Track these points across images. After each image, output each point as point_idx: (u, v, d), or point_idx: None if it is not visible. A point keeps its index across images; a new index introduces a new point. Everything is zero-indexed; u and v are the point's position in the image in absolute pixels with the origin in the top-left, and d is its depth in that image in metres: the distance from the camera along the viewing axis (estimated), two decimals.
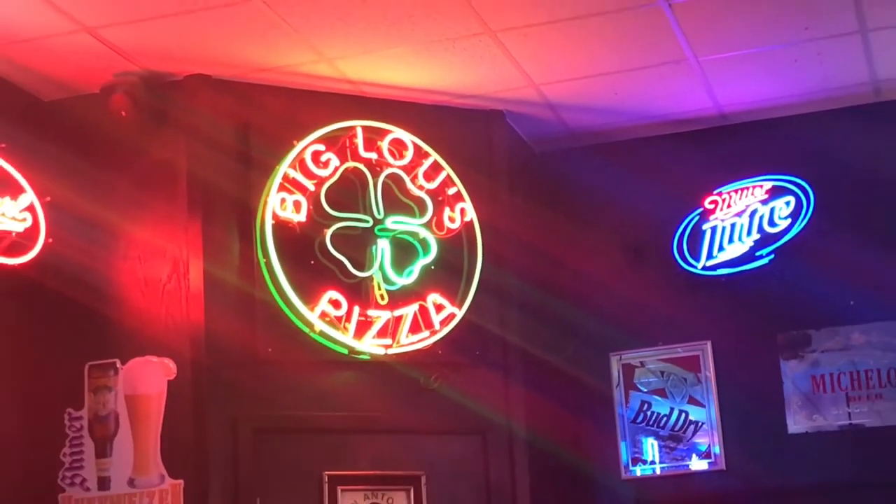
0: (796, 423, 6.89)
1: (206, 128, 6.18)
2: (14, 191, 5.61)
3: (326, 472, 6.11)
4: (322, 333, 6.10)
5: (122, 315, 6.10)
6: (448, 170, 6.55)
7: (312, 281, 6.14)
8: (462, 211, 6.56)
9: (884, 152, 6.92)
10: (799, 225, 6.96)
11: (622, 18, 5.91)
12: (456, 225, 6.53)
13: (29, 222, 5.64)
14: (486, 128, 6.90)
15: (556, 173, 7.37)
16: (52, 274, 5.91)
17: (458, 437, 6.52)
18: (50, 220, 5.73)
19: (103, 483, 5.95)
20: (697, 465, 7.00)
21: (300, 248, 6.15)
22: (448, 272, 6.47)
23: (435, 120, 6.67)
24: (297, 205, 6.16)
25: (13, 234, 5.56)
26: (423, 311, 6.33)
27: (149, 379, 6.01)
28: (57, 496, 5.97)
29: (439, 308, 6.37)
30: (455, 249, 6.52)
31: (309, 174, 6.23)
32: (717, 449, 6.97)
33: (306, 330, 6.10)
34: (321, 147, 6.29)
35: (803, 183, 7.00)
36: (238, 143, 6.25)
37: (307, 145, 6.26)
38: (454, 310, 6.41)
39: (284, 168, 6.17)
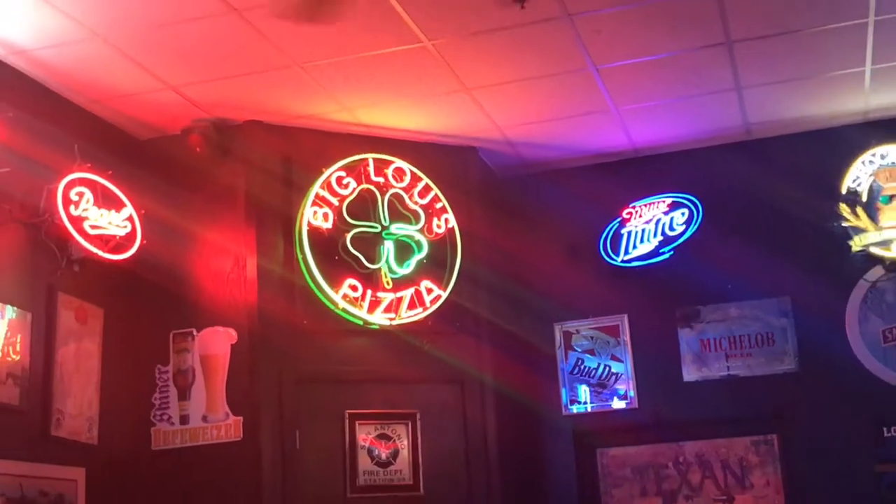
0: (689, 374, 6.89)
1: (259, 159, 6.23)
2: (118, 205, 5.66)
3: (347, 411, 6.18)
4: (343, 309, 6.16)
5: (197, 296, 6.14)
6: (436, 190, 6.58)
7: (336, 271, 6.18)
8: (446, 220, 6.58)
9: (753, 176, 6.87)
10: (691, 230, 6.96)
11: (563, 79, 5.99)
12: (442, 230, 6.56)
13: (129, 229, 5.68)
14: (464, 159, 6.88)
15: (515, 193, 7.31)
16: (146, 267, 5.91)
17: (443, 385, 6.51)
18: (144, 227, 5.78)
19: (184, 419, 6.00)
20: (617, 404, 6.99)
21: (327, 247, 6.20)
22: (436, 265, 6.50)
23: (426, 153, 6.64)
24: (325, 216, 6.22)
25: (117, 238, 5.61)
26: (418, 293, 6.37)
27: (217, 343, 6.06)
28: (149, 429, 6.03)
29: (429, 291, 6.41)
30: (441, 248, 6.55)
31: (334, 193, 6.29)
32: (631, 393, 6.97)
33: (332, 307, 6.15)
34: (342, 173, 6.34)
35: (694, 199, 6.99)
36: (282, 170, 6.27)
37: (332, 172, 6.31)
38: (440, 292, 6.45)
39: (316, 189, 6.23)
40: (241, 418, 5.89)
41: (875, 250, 6.63)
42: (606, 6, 5.19)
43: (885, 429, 6.50)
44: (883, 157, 6.74)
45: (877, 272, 6.70)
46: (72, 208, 5.39)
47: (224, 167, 6.21)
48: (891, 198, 6.67)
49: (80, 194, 5.46)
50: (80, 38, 5.15)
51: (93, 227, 5.49)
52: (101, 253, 5.53)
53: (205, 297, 6.15)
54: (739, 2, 5.23)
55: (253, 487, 5.77)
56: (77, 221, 5.41)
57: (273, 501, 5.77)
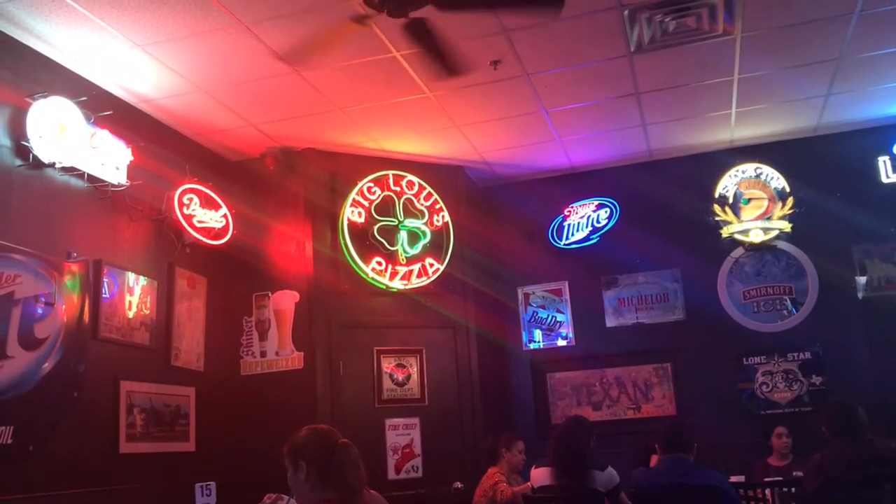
0: (610, 322, 6.89)
1: (313, 175, 6.23)
2: (216, 207, 5.73)
3: (375, 347, 6.21)
4: (372, 278, 6.20)
5: (271, 269, 6.14)
6: (435, 196, 6.58)
7: (367, 252, 6.20)
8: (443, 217, 6.58)
9: (654, 186, 6.81)
10: (612, 223, 6.97)
11: (524, 119, 6.01)
12: (440, 224, 6.56)
13: (224, 223, 5.76)
14: (455, 174, 6.82)
15: (490, 197, 7.24)
16: (236, 249, 5.94)
17: (441, 330, 6.48)
18: (235, 222, 5.84)
19: (263, 353, 6.04)
20: (561, 342, 6.98)
21: (361, 235, 6.21)
22: (436, 247, 6.49)
23: (429, 170, 6.60)
24: (359, 213, 6.25)
25: (216, 229, 5.69)
26: (424, 267, 6.39)
27: (285, 301, 6.08)
28: (239, 360, 6.07)
29: (431, 265, 6.42)
30: (439, 236, 6.54)
31: (365, 198, 6.31)
32: (570, 335, 6.96)
33: (364, 276, 6.18)
34: (371, 184, 6.36)
35: (614, 202, 7.00)
36: (329, 182, 6.26)
37: (364, 183, 6.32)
38: (439, 266, 6.46)
39: (353, 195, 6.25)
40: (302, 353, 5.93)
41: (738, 237, 6.69)
42: (552, 68, 5.24)
43: (743, 358, 6.56)
44: (744, 172, 6.77)
45: (739, 251, 6.74)
46: (184, 209, 5.49)
47: (289, 180, 6.18)
48: (749, 200, 6.71)
49: (190, 199, 5.55)
50: (189, 90, 5.21)
51: (199, 221, 5.57)
52: (204, 240, 5.61)
53: (277, 270, 6.13)
54: (645, 65, 5.28)
55: (311, 401, 5.81)
56: (188, 218, 5.50)
57: (324, 410, 5.79)
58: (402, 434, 6.13)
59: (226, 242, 5.77)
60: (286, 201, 6.18)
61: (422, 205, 6.54)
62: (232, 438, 5.75)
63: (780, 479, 4.95)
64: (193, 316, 5.69)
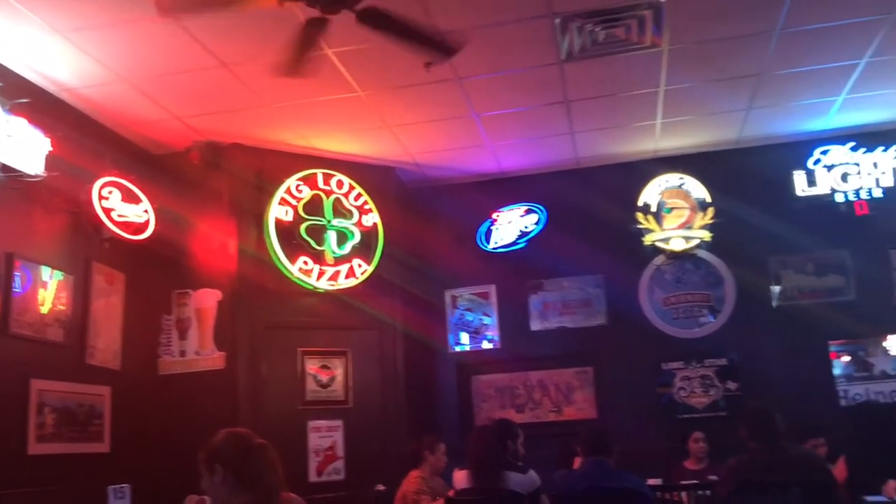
0: (535, 325, 6.94)
1: (239, 171, 6.10)
2: (137, 201, 5.56)
3: (299, 348, 6.13)
4: (298, 278, 6.10)
5: (194, 267, 6.01)
6: (365, 196, 6.53)
7: (293, 251, 6.11)
8: (372, 217, 6.52)
9: (581, 193, 6.90)
10: (539, 228, 7.03)
11: (455, 122, 6.02)
12: (369, 224, 6.50)
13: (145, 218, 5.59)
14: (385, 175, 6.76)
15: (421, 200, 7.18)
16: (157, 244, 5.73)
17: (368, 331, 6.43)
18: (156, 216, 5.67)
19: (182, 353, 5.91)
20: (487, 345, 7.01)
21: (288, 234, 6.12)
22: (365, 248, 6.43)
23: (359, 170, 6.53)
24: (286, 212, 6.15)
25: (136, 224, 5.51)
26: (351, 268, 6.33)
27: (207, 299, 5.96)
28: (157, 360, 5.92)
29: (360, 266, 6.36)
30: (369, 236, 6.47)
31: (293, 196, 6.21)
32: (496, 338, 7.00)
33: (289, 276, 6.08)
34: (300, 182, 6.26)
35: (542, 207, 7.05)
36: (256, 179, 6.14)
37: (292, 181, 6.22)
38: (367, 267, 6.40)
39: (281, 193, 6.15)
40: (224, 353, 5.82)
41: (660, 244, 6.81)
42: (484, 73, 5.26)
43: (662, 363, 6.71)
44: (667, 181, 6.91)
45: (660, 259, 6.88)
46: (104, 202, 5.32)
47: (214, 176, 6.05)
48: (671, 209, 6.86)
49: (110, 192, 5.38)
50: (111, 80, 5.05)
51: (119, 215, 5.40)
52: (124, 234, 5.44)
53: (199, 267, 6.01)
54: (575, 74, 5.34)
55: (232, 401, 5.71)
56: (107, 212, 5.33)
57: (246, 411, 5.70)
58: (325, 436, 6.07)
59: (147, 238, 5.59)
60: (211, 197, 6.05)
61: (351, 205, 6.48)
62: (149, 439, 5.60)
63: (696, 482, 5.06)
64: (111, 313, 5.52)
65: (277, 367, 6.00)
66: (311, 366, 6.16)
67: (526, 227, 7.07)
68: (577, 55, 5.06)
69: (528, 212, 7.10)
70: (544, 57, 5.09)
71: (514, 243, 7.08)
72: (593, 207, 6.89)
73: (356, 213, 6.47)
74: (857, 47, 5.17)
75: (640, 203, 6.88)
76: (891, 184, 6.46)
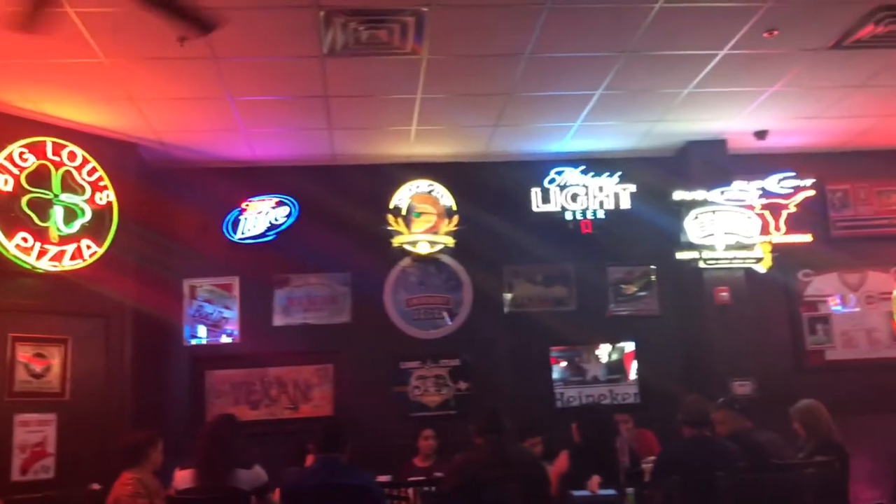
0: (278, 321, 6.81)
1: None
2: None
3: (10, 333, 5.58)
4: (14, 255, 5.58)
5: None
6: (101, 171, 6.11)
7: (11, 225, 5.59)
8: (107, 195, 6.13)
9: (336, 189, 6.90)
10: (290, 221, 6.93)
11: (208, 103, 5.78)
12: (103, 203, 6.10)
13: None
14: (126, 152, 6.34)
15: (165, 181, 6.76)
16: None
17: (93, 319, 6.01)
18: None
19: None
20: (226, 339, 6.80)
21: (6, 206, 5.57)
22: (97, 228, 6.03)
23: (97, 143, 6.08)
24: (6, 181, 5.60)
25: None
26: (79, 248, 5.90)
27: None
28: None
29: (89, 247, 5.96)
30: (102, 216, 6.08)
31: (15, 164, 5.68)
32: (236, 332, 6.82)
33: (5, 252, 5.55)
34: (24, 150, 5.73)
35: (294, 201, 6.96)
36: None
37: (15, 147, 5.68)
38: (98, 249, 6.01)
39: (0, 159, 5.53)
40: None
41: (407, 247, 7.01)
42: (244, 56, 5.09)
43: (401, 363, 6.89)
44: (418, 187, 7.12)
45: (406, 261, 7.08)
46: None
47: None
48: (420, 214, 7.06)
49: None
50: None
51: None
52: None
53: None
54: (336, 70, 5.34)
55: None
56: None
57: None
58: (35, 431, 5.57)
59: None
60: None
61: (84, 179, 6.03)
62: None
63: (423, 478, 5.22)
64: None
65: None
66: (23, 354, 5.62)
67: (276, 220, 6.94)
68: (339, 51, 5.05)
69: (280, 204, 6.98)
70: (307, 49, 5.02)
71: (262, 235, 6.93)
72: (346, 205, 6.93)
73: (89, 189, 6.03)
74: (594, 79, 5.66)
75: (391, 205, 7.03)
76: (612, 206, 7.13)
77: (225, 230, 6.92)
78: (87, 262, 5.91)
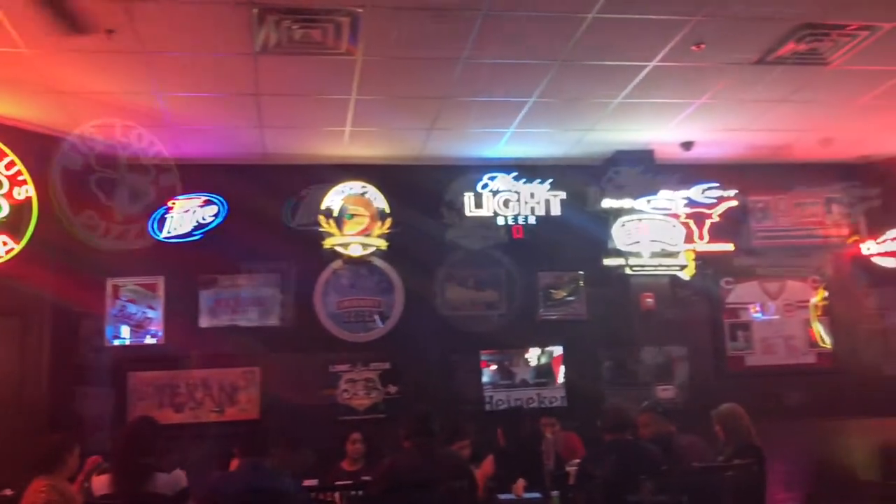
0: (204, 322, 6.69)
1: None
2: None
3: None
4: None
5: None
6: (20, 165, 5.89)
7: None
8: (27, 191, 5.91)
9: (265, 190, 6.79)
10: (218, 220, 6.77)
11: (135, 97, 5.62)
12: (22, 198, 5.89)
13: None
14: (49, 146, 5.99)
15: (88, 179, 6.47)
16: None
17: (7, 318, 5.82)
18: None
19: None
20: (150, 340, 6.65)
21: None
22: (15, 224, 5.82)
23: (16, 136, 5.88)
24: None
25: None
26: None
27: None
28: None
29: (5, 244, 5.77)
30: (21, 211, 5.87)
31: None
32: (160, 333, 6.67)
33: None
34: None
35: (223, 199, 6.80)
36: None
37: None
38: (15, 246, 5.81)
39: None
40: None
41: (339, 249, 6.97)
42: (173, 50, 4.97)
43: (330, 366, 6.84)
44: (351, 188, 7.07)
45: (338, 263, 7.03)
46: None
47: None
48: (353, 216, 7.02)
49: None
50: None
51: None
52: None
53: None
54: (268, 68, 5.25)
55: None
56: None
57: None
58: None
59: None
60: None
61: (1, 174, 5.81)
62: None
63: (350, 482, 5.18)
64: None
65: None
66: None
67: (204, 219, 6.80)
68: (271, 49, 4.97)
69: (208, 203, 6.84)
70: (239, 45, 4.93)
71: (189, 234, 6.77)
72: (276, 205, 6.87)
73: (6, 184, 5.83)
74: (528, 86, 5.71)
75: (322, 206, 6.97)
76: (543, 213, 7.22)
77: (150, 229, 6.71)
78: (4, 259, 5.70)
